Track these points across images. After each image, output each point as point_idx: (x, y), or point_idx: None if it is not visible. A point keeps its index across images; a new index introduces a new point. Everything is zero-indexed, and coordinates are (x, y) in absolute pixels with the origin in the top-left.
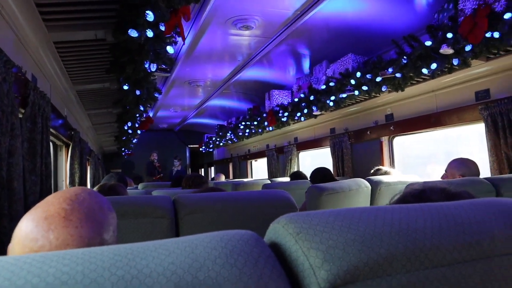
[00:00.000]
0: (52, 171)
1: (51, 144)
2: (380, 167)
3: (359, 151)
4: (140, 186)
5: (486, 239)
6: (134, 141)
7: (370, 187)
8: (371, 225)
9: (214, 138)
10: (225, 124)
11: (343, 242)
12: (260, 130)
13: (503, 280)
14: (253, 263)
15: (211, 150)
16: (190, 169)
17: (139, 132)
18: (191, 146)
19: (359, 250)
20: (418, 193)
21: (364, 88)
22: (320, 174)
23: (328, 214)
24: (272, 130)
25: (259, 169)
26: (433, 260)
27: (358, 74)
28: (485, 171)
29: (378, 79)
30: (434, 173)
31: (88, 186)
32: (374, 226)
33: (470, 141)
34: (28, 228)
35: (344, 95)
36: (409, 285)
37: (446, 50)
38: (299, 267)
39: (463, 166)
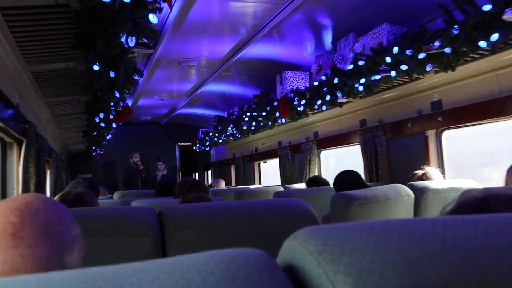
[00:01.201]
0: None
1: None
2: (419, 171)
3: (398, 149)
4: (116, 195)
5: None
6: (108, 138)
7: (413, 195)
8: (417, 242)
9: (211, 134)
10: (225, 116)
11: (380, 264)
12: (270, 123)
13: None
14: None
15: (208, 148)
16: (180, 174)
17: (114, 125)
18: (182, 143)
19: (401, 275)
20: (479, 202)
21: (403, 67)
22: (347, 179)
23: (359, 227)
24: (286, 122)
25: (269, 173)
26: None
27: (395, 49)
28: None
29: (421, 55)
30: (494, 176)
31: (48, 195)
32: (420, 243)
33: None
34: None
35: (377, 77)
36: None
37: (511, 16)
38: None
39: None
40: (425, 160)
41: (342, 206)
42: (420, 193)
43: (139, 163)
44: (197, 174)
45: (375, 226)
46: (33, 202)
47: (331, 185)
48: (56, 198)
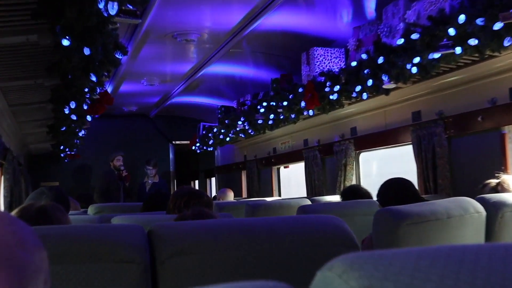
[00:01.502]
0: None
1: None
2: (493, 180)
3: (464, 151)
4: (90, 209)
5: None
6: (81, 135)
7: (484, 212)
8: (498, 277)
9: (215, 130)
10: (234, 106)
11: None
12: (293, 116)
13: None
14: None
15: (211, 149)
16: (175, 182)
17: (89, 118)
18: (178, 142)
19: None
20: None
21: (472, 42)
22: (395, 189)
23: (417, 255)
24: (314, 115)
25: (291, 181)
26: None
27: (462, 18)
28: None
29: (497, 26)
30: None
31: (1, 208)
32: (503, 277)
33: None
34: None
35: (436, 55)
36: None
37: None
38: None
39: None
40: (500, 166)
41: (389, 226)
42: (494, 210)
43: (122, 168)
44: (197, 182)
45: (438, 254)
46: None
47: (374, 198)
48: (13, 213)
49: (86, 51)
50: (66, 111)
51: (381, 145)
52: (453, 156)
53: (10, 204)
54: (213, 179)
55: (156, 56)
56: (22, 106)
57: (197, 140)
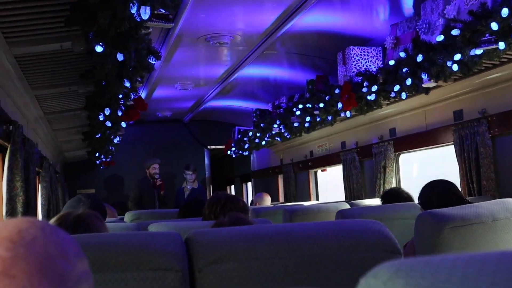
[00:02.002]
0: None
1: None
2: None
3: (509, 150)
4: (127, 216)
5: None
6: (116, 141)
7: None
8: None
9: (251, 133)
10: (269, 109)
11: None
12: (329, 118)
13: None
14: None
15: (247, 153)
16: (211, 188)
17: (124, 125)
18: (213, 147)
19: None
20: None
21: None
22: (437, 192)
23: (466, 261)
24: (351, 116)
25: (329, 184)
26: None
27: (505, 11)
28: None
29: None
30: None
31: (40, 216)
32: None
33: None
34: None
35: (478, 51)
36: None
37: None
38: None
39: None
40: None
41: (431, 230)
42: None
43: (157, 176)
44: (233, 187)
45: (487, 260)
46: (27, 230)
47: (415, 201)
48: (52, 222)
49: (119, 57)
50: (101, 117)
51: (421, 146)
52: (497, 156)
53: (47, 212)
54: (249, 184)
55: (189, 60)
56: (57, 114)
57: (232, 144)
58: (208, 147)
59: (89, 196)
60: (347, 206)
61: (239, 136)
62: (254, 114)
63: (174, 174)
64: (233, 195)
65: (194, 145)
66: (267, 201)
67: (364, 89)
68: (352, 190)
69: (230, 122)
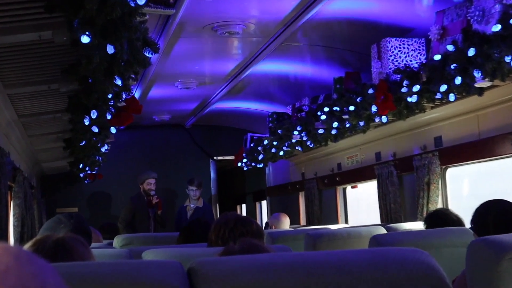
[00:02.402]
0: None
1: None
2: None
3: None
4: (117, 241)
5: None
6: (104, 150)
7: None
8: None
9: (266, 141)
10: (289, 112)
11: None
12: (361, 123)
13: None
14: None
15: (261, 165)
16: (217, 207)
17: (113, 130)
18: (220, 158)
19: None
20: None
21: None
22: (494, 214)
23: None
24: (387, 122)
25: (361, 203)
26: None
27: None
28: None
29: None
30: None
31: (11, 240)
32: None
33: None
34: None
35: None
36: None
37: None
38: None
39: None
40: None
41: (487, 260)
42: None
43: (153, 193)
44: (244, 207)
45: None
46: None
47: (467, 225)
48: (26, 247)
49: (110, 49)
50: (86, 122)
51: (473, 159)
52: None
53: (21, 235)
54: (264, 203)
55: (193, 53)
56: (34, 117)
57: (244, 155)
58: (215, 157)
59: (71, 216)
60: (383, 231)
61: (251, 145)
62: (270, 119)
63: (173, 190)
64: (244, 216)
65: (197, 156)
66: (286, 223)
67: (404, 89)
68: (389, 211)
69: (241, 127)
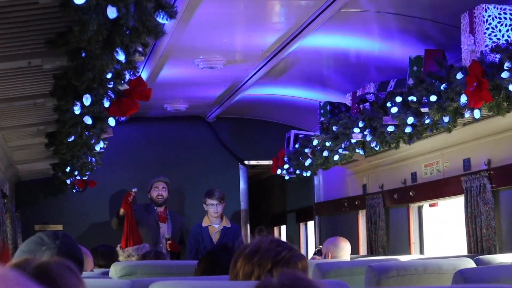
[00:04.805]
0: None
1: None
2: None
3: None
4: (115, 269)
5: None
6: (100, 149)
7: None
8: None
9: (316, 141)
10: (348, 103)
11: None
12: (445, 119)
13: None
14: None
15: (308, 173)
16: (248, 227)
17: (112, 123)
18: (252, 163)
19: None
20: None
21: None
22: None
23: None
24: (480, 118)
25: (441, 227)
26: None
27: None
28: None
29: None
30: None
31: None
32: None
33: None
34: None
35: None
36: None
37: None
38: None
39: None
40: None
41: None
42: None
43: (161, 199)
44: (283, 229)
45: None
46: None
47: None
48: None
49: (111, 12)
50: (77, 110)
51: None
52: None
53: None
54: (310, 224)
55: (220, 20)
56: (7, 103)
57: (285, 159)
58: (246, 162)
59: (56, 236)
60: (472, 264)
61: (296, 146)
62: (322, 111)
63: (189, 203)
64: (284, 241)
65: (223, 159)
66: (346, 251)
67: (505, 74)
68: (479, 239)
69: (283, 122)
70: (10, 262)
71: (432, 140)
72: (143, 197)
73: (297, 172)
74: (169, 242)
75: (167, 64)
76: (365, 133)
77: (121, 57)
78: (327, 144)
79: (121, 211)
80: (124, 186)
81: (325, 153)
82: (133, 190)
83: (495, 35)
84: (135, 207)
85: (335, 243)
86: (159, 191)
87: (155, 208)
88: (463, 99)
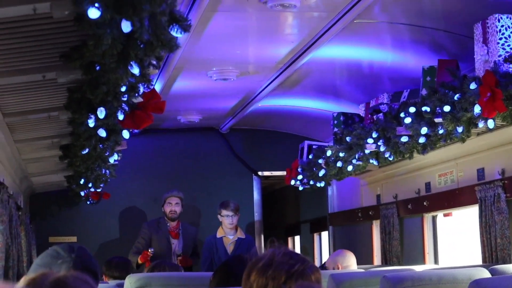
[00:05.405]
0: None
1: None
2: None
3: None
4: (129, 281)
5: None
6: (113, 161)
7: None
8: None
9: (330, 153)
10: (361, 113)
11: None
12: (459, 130)
13: None
14: None
15: (322, 184)
16: (262, 238)
17: (126, 136)
18: (266, 173)
19: None
20: None
21: None
22: None
23: None
24: (495, 128)
25: (456, 237)
26: None
27: None
28: None
29: None
30: None
31: None
32: None
33: None
34: None
35: None
36: None
37: None
38: None
39: None
40: None
41: None
42: None
43: (175, 213)
44: (297, 240)
45: None
46: None
47: None
48: None
49: (125, 26)
50: (91, 123)
51: None
52: None
53: (5, 271)
54: (324, 235)
55: (234, 32)
56: (22, 116)
57: (299, 170)
58: (260, 173)
59: (71, 249)
60: (487, 274)
61: (310, 157)
62: (336, 121)
63: (203, 214)
64: (298, 254)
65: (236, 170)
66: (354, 261)
67: None
68: (494, 248)
69: (296, 133)
70: (26, 277)
71: (446, 150)
72: (157, 211)
73: (311, 182)
74: (179, 258)
75: (180, 76)
76: (378, 143)
77: (135, 70)
78: (341, 154)
79: (139, 261)
80: (137, 198)
81: (339, 164)
82: (150, 250)
83: (508, 45)
84: (147, 225)
85: (342, 255)
86: (173, 206)
87: (167, 224)
88: (477, 109)
